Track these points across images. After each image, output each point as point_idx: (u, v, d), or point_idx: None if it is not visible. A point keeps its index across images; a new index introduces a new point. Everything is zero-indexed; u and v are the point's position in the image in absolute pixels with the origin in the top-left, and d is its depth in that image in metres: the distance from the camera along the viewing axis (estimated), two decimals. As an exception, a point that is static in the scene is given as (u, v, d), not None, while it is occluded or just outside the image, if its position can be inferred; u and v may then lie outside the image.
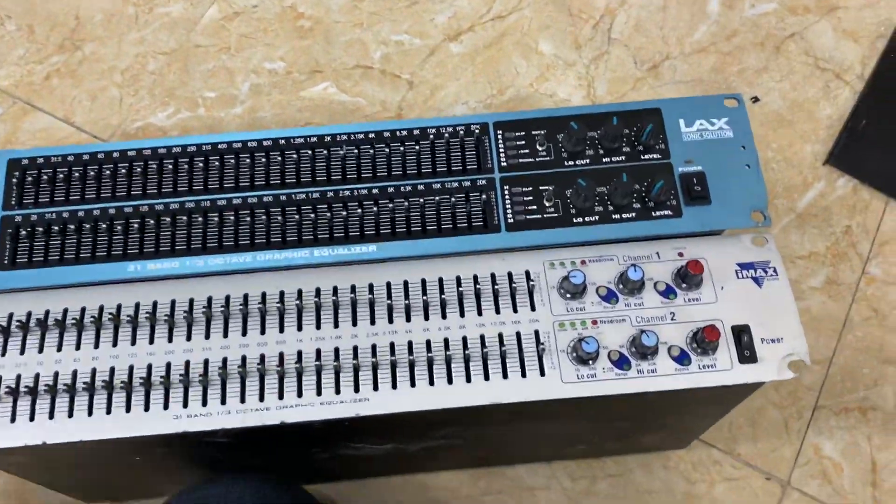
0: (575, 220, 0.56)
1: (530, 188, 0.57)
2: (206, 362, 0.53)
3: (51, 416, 0.51)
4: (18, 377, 0.52)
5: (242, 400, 0.52)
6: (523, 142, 0.59)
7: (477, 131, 0.59)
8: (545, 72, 0.86)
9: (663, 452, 0.72)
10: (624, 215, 0.57)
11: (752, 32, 0.88)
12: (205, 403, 0.52)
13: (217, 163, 0.58)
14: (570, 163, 0.58)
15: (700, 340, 0.52)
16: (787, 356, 0.53)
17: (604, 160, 0.58)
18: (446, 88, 0.85)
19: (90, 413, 0.51)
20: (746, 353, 0.53)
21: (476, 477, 0.72)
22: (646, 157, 0.58)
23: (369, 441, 0.60)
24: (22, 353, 0.53)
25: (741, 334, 0.53)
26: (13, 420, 0.51)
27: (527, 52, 0.87)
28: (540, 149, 0.59)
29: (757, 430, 0.73)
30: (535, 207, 0.57)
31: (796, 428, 0.73)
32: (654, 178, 0.56)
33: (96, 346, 0.53)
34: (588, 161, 0.58)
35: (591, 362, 0.53)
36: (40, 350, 0.53)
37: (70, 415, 0.51)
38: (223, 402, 0.52)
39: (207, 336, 0.54)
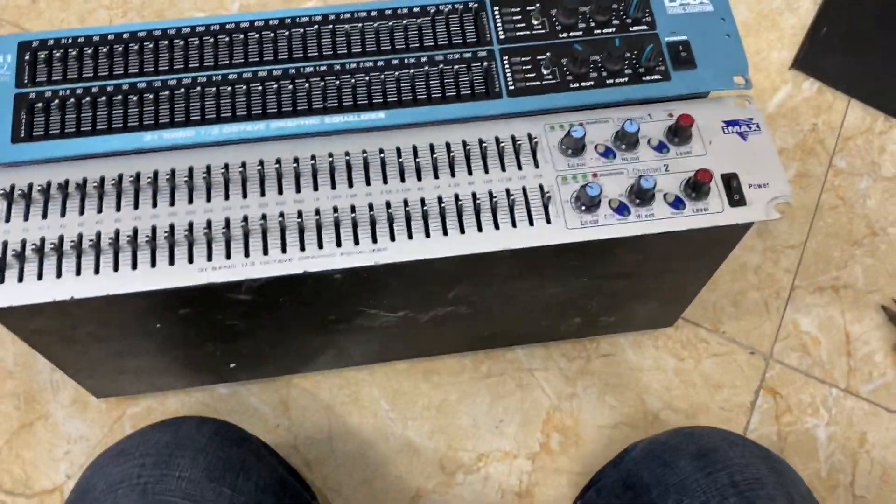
0: (571, 86, 0.60)
1: (528, 58, 0.61)
2: (228, 220, 0.55)
3: (77, 273, 0.53)
4: (43, 239, 0.53)
5: (265, 252, 0.54)
6: (519, 17, 0.62)
7: (475, 7, 0.62)
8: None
9: (653, 332, 0.76)
10: (617, 80, 0.60)
11: (718, -50, 0.93)
12: (228, 256, 0.54)
13: (227, 40, 0.60)
14: (565, 34, 0.61)
15: (693, 185, 0.56)
16: (773, 199, 0.57)
17: (595, 32, 0.62)
18: None
19: (116, 269, 0.53)
20: (736, 196, 0.57)
21: (478, 361, 0.75)
22: (634, 28, 0.62)
23: (385, 305, 0.63)
24: (45, 217, 0.54)
25: (730, 181, 0.57)
26: (40, 277, 0.53)
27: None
28: (535, 22, 0.62)
29: (739, 310, 0.78)
30: (533, 75, 0.60)
31: (776, 306, 0.78)
32: (643, 45, 0.60)
33: (118, 209, 0.55)
34: (581, 33, 0.61)
35: (593, 209, 0.56)
36: (62, 214, 0.54)
37: (97, 271, 0.53)
38: (247, 254, 0.54)
39: (227, 197, 0.56)
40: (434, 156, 0.57)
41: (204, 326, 0.61)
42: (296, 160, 0.57)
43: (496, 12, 0.62)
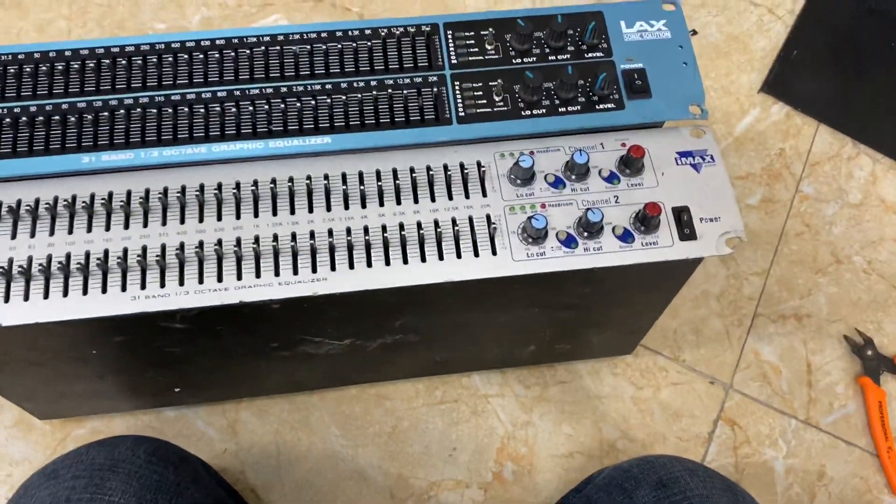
0: (523, 113, 0.59)
1: (480, 84, 0.59)
2: (163, 247, 0.53)
3: (6, 300, 0.51)
4: (-29, 264, 0.52)
5: (201, 281, 0.52)
6: (472, 41, 0.61)
7: (427, 30, 0.61)
8: (494, 4, 0.88)
9: (611, 359, 0.75)
10: (569, 108, 0.59)
11: (690, -30, 0.92)
12: (163, 285, 0.52)
13: (171, 59, 0.58)
14: (518, 60, 0.60)
15: (643, 218, 0.55)
16: (724, 234, 0.56)
17: (549, 58, 0.60)
18: (397, 21, 0.86)
19: (46, 296, 0.51)
20: (686, 230, 0.56)
21: (432, 387, 0.74)
22: (589, 55, 0.61)
23: (329, 333, 0.61)
24: (-26, 240, 0.53)
25: (681, 214, 0.56)
26: (-34, 303, 0.51)
27: (475, -13, 0.89)
28: (489, 47, 0.60)
29: (700, 337, 0.76)
30: (484, 101, 0.59)
31: (737, 335, 0.77)
32: (597, 73, 0.59)
33: (51, 233, 0.53)
34: (535, 59, 0.60)
35: (540, 241, 0.55)
36: (-6, 238, 0.53)
37: (26, 298, 0.51)
38: (181, 283, 0.52)
39: (164, 223, 0.54)
40: (380, 183, 0.56)
41: (142, 353, 0.60)
42: (237, 185, 0.55)
43: (449, 36, 0.61)
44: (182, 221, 0.54)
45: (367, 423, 0.72)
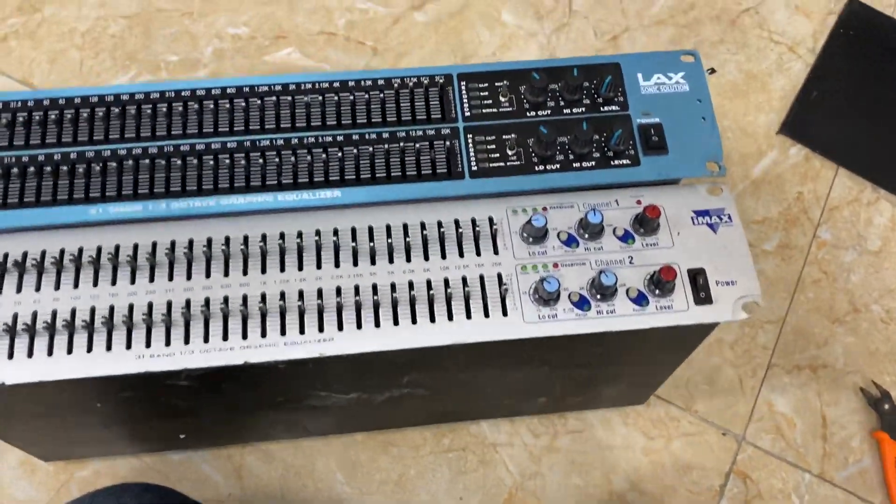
0: (537, 168, 0.57)
1: (493, 137, 0.58)
2: (169, 304, 0.52)
3: (10, 357, 0.51)
4: (-25, 318, 0.51)
5: (206, 340, 0.52)
6: (486, 93, 0.60)
7: (441, 82, 0.60)
8: (507, 41, 0.87)
9: (623, 409, 0.74)
10: (584, 164, 0.58)
11: (709, 6, 0.90)
12: (168, 343, 0.52)
13: (181, 109, 0.58)
14: (532, 113, 0.59)
15: (657, 281, 0.54)
16: (740, 298, 0.55)
17: (564, 111, 0.59)
18: (410, 56, 0.86)
19: (50, 353, 0.51)
20: (702, 294, 0.54)
21: (440, 434, 0.73)
22: (605, 108, 0.59)
23: (335, 388, 0.60)
24: (-21, 294, 0.52)
25: (696, 277, 0.55)
26: (-30, 360, 0.51)
27: (490, 22, 0.88)
28: (503, 100, 0.59)
29: (713, 387, 0.75)
30: (497, 155, 0.58)
31: (751, 385, 0.75)
32: (613, 129, 0.58)
33: (57, 287, 0.53)
34: (549, 112, 0.59)
35: (552, 303, 0.54)
36: (-1, 292, 0.53)
37: (30, 355, 0.51)
38: (186, 341, 0.52)
39: (171, 278, 0.53)
40: (390, 240, 0.55)
41: (146, 406, 0.59)
42: (245, 240, 0.55)
43: (463, 87, 0.60)
44: (189, 277, 0.53)
45: (373, 471, 0.71)
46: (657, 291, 0.54)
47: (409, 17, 0.87)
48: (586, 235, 0.56)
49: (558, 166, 0.58)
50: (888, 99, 0.86)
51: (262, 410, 0.64)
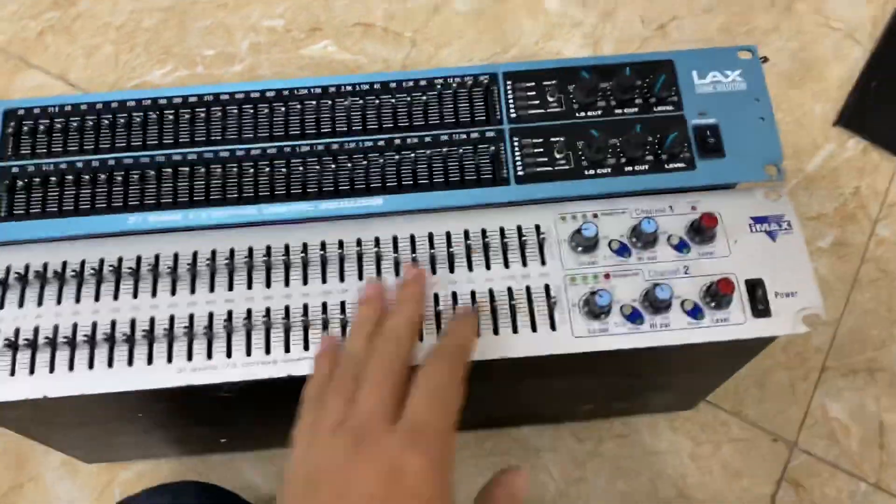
0: (587, 173, 0.55)
1: (541, 140, 0.56)
2: (211, 315, 0.51)
3: (51, 370, 0.50)
4: (17, 331, 0.51)
5: (248, 353, 0.51)
6: (533, 92, 0.57)
7: (486, 82, 0.57)
8: (551, 30, 0.84)
9: (670, 413, 0.72)
10: (636, 168, 0.55)
11: (762, -9, 0.86)
12: (210, 357, 0.51)
13: (219, 114, 0.56)
14: (582, 114, 0.57)
15: (714, 294, 0.51)
16: (801, 310, 0.52)
17: (616, 112, 0.57)
18: (450, 46, 0.83)
19: (91, 366, 0.50)
20: (760, 306, 0.52)
21: (482, 438, 0.71)
22: (658, 109, 0.57)
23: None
24: (21, 306, 0.52)
25: (755, 288, 0.52)
26: (13, 374, 0.50)
27: (533, 11, 0.85)
28: (551, 100, 0.57)
29: (764, 391, 0.73)
30: (545, 160, 0.56)
31: (803, 389, 0.73)
32: (667, 131, 0.55)
33: (97, 298, 0.52)
34: (600, 112, 0.57)
35: (603, 316, 0.52)
36: (39, 303, 0.52)
37: (71, 368, 0.50)
38: (228, 354, 0.51)
39: (212, 289, 0.52)
40: (432, 250, 0.53)
41: (188, 415, 0.59)
42: (286, 250, 0.53)
43: (509, 87, 0.57)
44: (230, 288, 0.52)
45: (414, 475, 0.70)
46: (713, 304, 0.52)
47: (450, 6, 0.85)
48: (639, 244, 0.53)
49: (609, 171, 0.55)
50: (953, 88, 0.82)
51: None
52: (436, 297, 0.52)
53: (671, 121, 0.56)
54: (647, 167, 0.55)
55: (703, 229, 0.53)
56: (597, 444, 0.71)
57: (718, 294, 0.51)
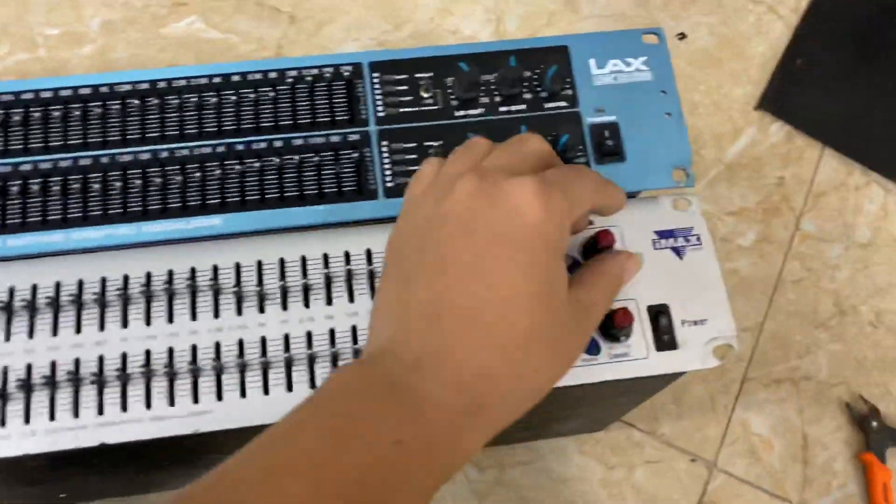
0: (466, 183, 0.47)
1: (414, 144, 0.47)
2: (5, 370, 0.42)
3: None
4: None
5: (52, 417, 0.41)
6: (405, 87, 0.49)
7: (348, 74, 0.48)
8: (448, 4, 0.75)
9: (579, 435, 0.65)
10: (524, 176, 0.47)
11: (680, -41, 0.79)
12: (3, 423, 0.41)
13: (20, 117, 0.46)
14: (461, 112, 0.48)
15: (610, 327, 0.44)
16: (711, 340, 0.45)
17: (501, 109, 0.48)
18: (334, 23, 0.73)
19: None
20: (665, 337, 0.45)
21: (370, 472, 0.63)
22: (550, 105, 0.49)
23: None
24: None
25: (658, 316, 0.45)
26: None
27: (427, -18, 0.76)
28: (425, 95, 0.48)
29: (681, 407, 0.66)
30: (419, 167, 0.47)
31: (723, 403, 0.67)
32: (558, 132, 0.47)
33: None
34: (483, 110, 0.48)
35: (483, 355, 0.44)
36: None
37: None
38: (26, 420, 0.41)
39: (7, 338, 0.43)
40: (282, 282, 0.44)
41: (6, 479, 0.49)
42: (102, 284, 0.44)
43: (376, 81, 0.48)
44: (31, 335, 0.43)
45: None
46: (611, 336, 0.44)
47: (333, -24, 0.75)
48: (526, 267, 0.46)
49: (492, 179, 0.47)
50: (881, 67, 0.76)
51: (152, 472, 0.55)
52: (286, 338, 0.43)
53: (564, 119, 0.48)
54: (536, 175, 0.47)
55: (598, 250, 0.45)
56: (499, 472, 0.64)
57: (614, 328, 0.43)
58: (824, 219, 0.72)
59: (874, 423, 0.66)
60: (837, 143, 0.73)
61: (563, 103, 0.49)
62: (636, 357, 0.44)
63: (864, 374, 0.68)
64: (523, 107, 0.48)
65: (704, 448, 0.66)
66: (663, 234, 0.47)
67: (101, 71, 0.70)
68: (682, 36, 0.76)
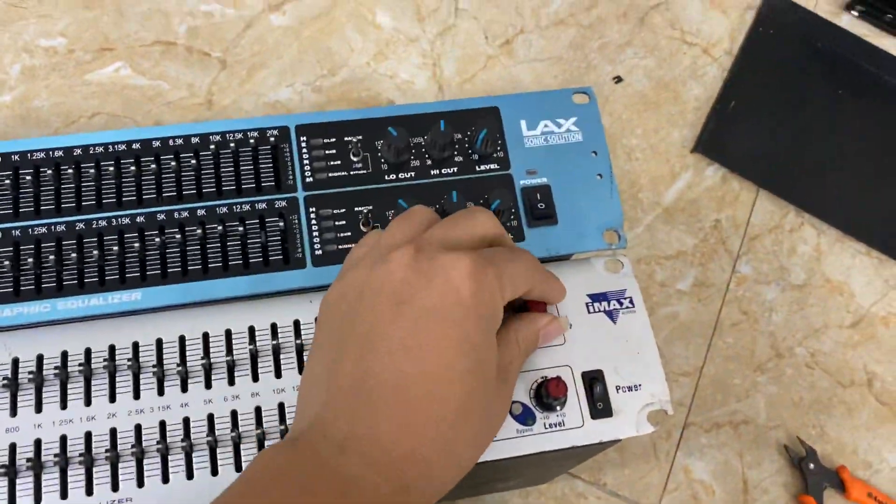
0: (396, 249, 0.46)
1: (343, 210, 0.46)
2: None
3: None
4: None
5: (-46, 512, 0.39)
6: (334, 150, 0.48)
7: (274, 138, 0.47)
8: (384, 48, 0.74)
9: (523, 488, 0.64)
10: (456, 241, 0.46)
11: (615, 2, 0.79)
12: None
13: (-77, 189, 0.44)
14: (392, 176, 0.47)
15: (544, 396, 0.43)
16: (646, 406, 0.45)
17: (432, 173, 0.48)
18: (267, 68, 0.72)
19: None
20: (600, 405, 0.44)
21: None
22: (481, 168, 0.48)
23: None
24: None
25: (593, 383, 0.44)
26: None
27: (362, 25, 0.75)
28: (354, 159, 0.47)
29: (625, 455, 0.66)
30: (349, 234, 0.46)
31: (665, 449, 0.67)
32: (490, 196, 0.46)
33: None
34: (414, 174, 0.47)
35: (415, 430, 0.43)
36: None
37: None
38: (-72, 514, 0.39)
39: None
40: (206, 359, 0.43)
41: None
42: (14, 366, 0.42)
43: (303, 145, 0.47)
44: (-67, 424, 0.40)
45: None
46: (545, 407, 0.44)
47: (265, 20, 0.73)
48: (458, 336, 0.45)
49: (423, 245, 0.46)
50: (809, 109, 0.77)
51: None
52: (210, 419, 0.42)
53: (497, 182, 0.48)
54: (468, 239, 0.46)
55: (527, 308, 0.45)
56: (441, 528, 0.63)
57: (549, 398, 0.43)
58: (760, 261, 0.73)
59: (811, 465, 0.66)
60: (771, 184, 0.74)
61: (494, 165, 0.48)
62: (571, 426, 0.44)
63: (801, 416, 0.69)
64: (454, 170, 0.48)
65: (647, 495, 0.65)
66: (596, 298, 0.47)
67: (22, 120, 0.68)
68: (619, 79, 0.76)
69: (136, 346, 0.43)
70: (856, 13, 0.82)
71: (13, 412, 0.41)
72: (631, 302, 0.47)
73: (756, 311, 0.71)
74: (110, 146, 0.46)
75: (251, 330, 0.44)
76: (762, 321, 0.71)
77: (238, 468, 0.41)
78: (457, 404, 0.35)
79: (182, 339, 0.43)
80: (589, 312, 0.46)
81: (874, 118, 0.78)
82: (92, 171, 0.45)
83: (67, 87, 0.69)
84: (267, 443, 0.42)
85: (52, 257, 0.43)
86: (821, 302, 0.72)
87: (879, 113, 0.78)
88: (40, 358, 0.42)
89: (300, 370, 0.43)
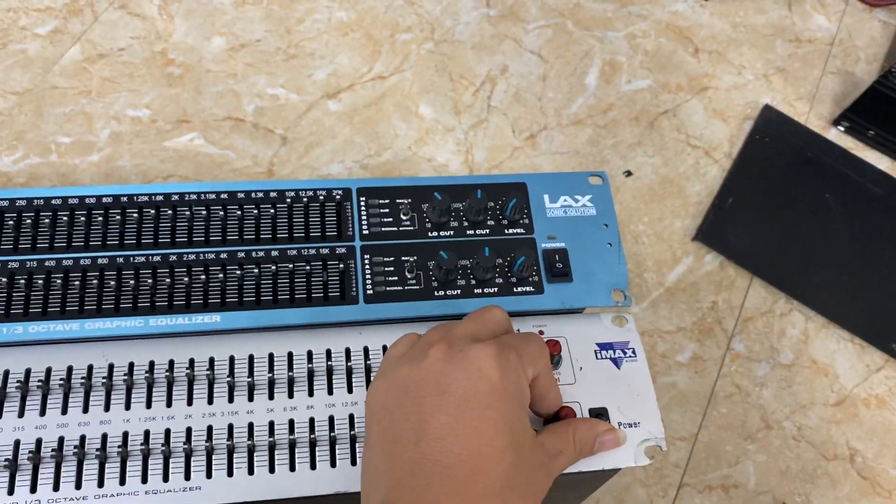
0: (437, 294, 0.54)
1: (392, 258, 0.55)
2: (17, 443, 0.47)
3: None
4: None
5: (55, 488, 0.46)
6: (387, 210, 0.57)
7: (339, 196, 0.56)
8: (424, 135, 0.85)
9: (528, 533, 0.70)
10: (486, 290, 0.55)
11: (628, 107, 0.90)
12: (11, 493, 0.46)
13: (48, 219, 0.53)
14: (434, 234, 0.56)
15: (557, 425, 0.50)
16: (643, 441, 0.52)
17: (468, 232, 0.56)
18: (322, 146, 0.82)
19: None
20: (604, 438, 0.51)
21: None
22: (510, 231, 0.57)
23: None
24: None
25: (599, 417, 0.52)
26: None
27: (406, 115, 0.85)
28: (404, 218, 0.56)
29: (623, 508, 0.72)
30: (396, 279, 0.54)
31: (661, 506, 0.73)
32: (516, 254, 0.55)
33: None
34: (452, 233, 0.56)
35: (444, 447, 0.50)
36: None
37: None
38: (33, 490, 0.46)
39: (21, 415, 0.48)
40: (271, 374, 0.50)
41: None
42: (110, 370, 0.49)
43: (362, 203, 0.56)
44: (42, 413, 0.48)
45: None
46: (556, 435, 0.51)
47: (323, 105, 0.84)
48: (484, 370, 0.52)
49: (459, 292, 0.54)
50: (799, 208, 0.87)
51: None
52: (271, 425, 0.49)
53: (521, 243, 0.56)
54: (496, 289, 0.55)
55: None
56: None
57: (561, 426, 0.50)
58: (752, 340, 0.80)
59: (797, 530, 0.72)
60: (764, 273, 0.83)
61: (520, 230, 0.57)
62: (578, 453, 0.51)
63: (788, 484, 0.75)
64: (487, 231, 0.57)
65: (643, 549, 0.71)
66: (604, 346, 0.54)
67: (105, 177, 0.78)
68: (629, 173, 0.86)
69: (211, 360, 0.51)
70: (842, 128, 0.92)
71: (106, 408, 0.49)
72: (633, 352, 0.55)
73: (748, 386, 0.78)
74: (201, 195, 0.55)
75: (309, 353, 0.52)
76: (753, 395, 0.78)
77: (292, 468, 0.48)
78: (499, 477, 0.42)
79: (251, 357, 0.51)
80: (597, 358, 0.54)
81: (858, 220, 0.87)
82: (187, 213, 0.54)
83: (148, 150, 0.79)
84: (318, 448, 0.49)
85: (150, 281, 0.51)
86: (807, 381, 0.79)
87: (862, 216, 0.87)
88: (131, 365, 0.50)
89: (349, 389, 0.51)
